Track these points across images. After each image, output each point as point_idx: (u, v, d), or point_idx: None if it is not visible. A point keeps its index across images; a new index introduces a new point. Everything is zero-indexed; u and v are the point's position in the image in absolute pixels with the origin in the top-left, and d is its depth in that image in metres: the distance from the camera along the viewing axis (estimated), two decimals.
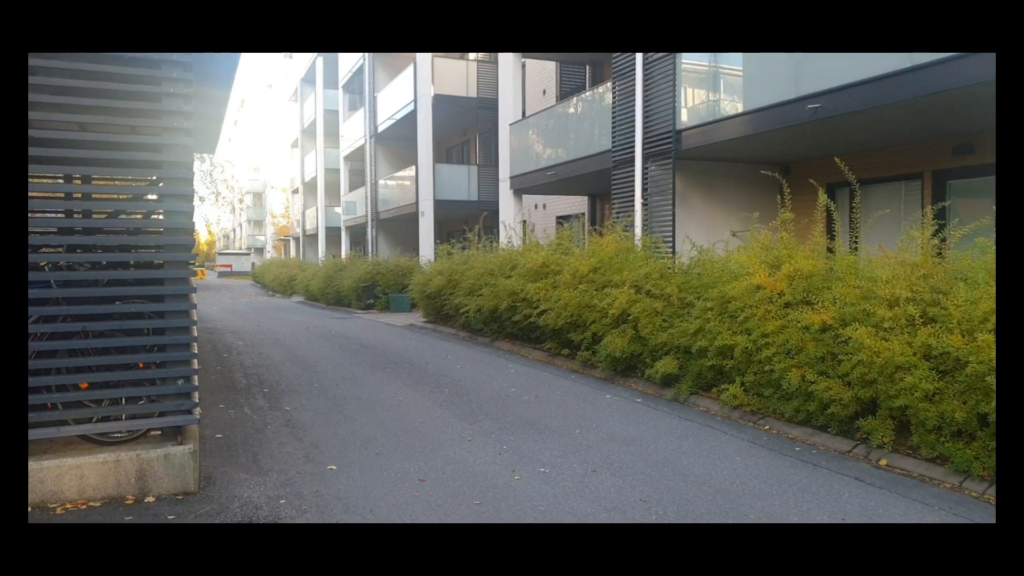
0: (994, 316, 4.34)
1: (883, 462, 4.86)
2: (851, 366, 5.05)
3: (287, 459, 5.00)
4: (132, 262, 4.35)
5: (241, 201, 47.61)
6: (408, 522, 3.87)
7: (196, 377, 4.48)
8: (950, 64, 6.68)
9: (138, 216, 4.83)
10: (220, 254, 64.99)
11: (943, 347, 4.50)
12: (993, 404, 4.14)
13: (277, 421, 6.16)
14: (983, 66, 6.41)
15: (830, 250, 6.66)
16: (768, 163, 11.23)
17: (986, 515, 3.97)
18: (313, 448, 5.30)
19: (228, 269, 57.63)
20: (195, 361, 4.48)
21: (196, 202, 22.85)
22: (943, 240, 5.56)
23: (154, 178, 4.44)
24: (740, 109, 9.64)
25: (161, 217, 4.37)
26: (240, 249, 71.25)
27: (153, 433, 4.35)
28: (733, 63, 9.96)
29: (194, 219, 4.45)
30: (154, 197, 4.53)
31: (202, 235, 68.97)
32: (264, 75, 58.12)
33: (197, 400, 4.41)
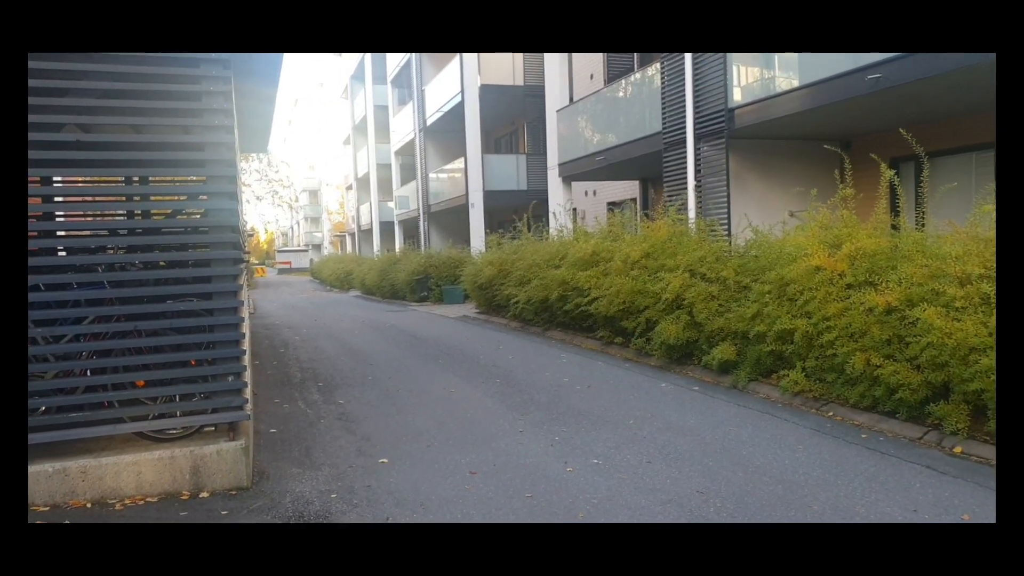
0: None
1: (957, 449, 4.58)
2: (920, 348, 4.77)
3: (339, 453, 5.03)
4: (181, 261, 4.41)
5: (297, 200, 48.60)
6: (459, 521, 3.82)
7: (247, 373, 4.53)
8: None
9: (184, 216, 4.89)
10: (279, 251, 66.56)
11: None
12: None
13: (330, 415, 6.22)
14: None
15: (894, 227, 6.33)
16: (827, 139, 10.78)
17: None
18: (365, 441, 5.32)
19: (287, 266, 58.97)
20: (245, 357, 4.53)
21: (254, 201, 23.36)
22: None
23: (199, 177, 4.49)
24: (795, 84, 9.27)
25: (206, 216, 4.42)
26: (298, 246, 72.82)
27: (207, 429, 4.42)
28: None
29: (242, 216, 4.49)
30: (203, 197, 4.58)
31: (261, 234, 70.80)
32: (315, 73, 59.09)
33: (248, 396, 4.45)
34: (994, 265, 4.73)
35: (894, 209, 7.14)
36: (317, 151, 64.26)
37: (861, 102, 8.40)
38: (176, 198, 5.11)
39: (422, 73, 25.59)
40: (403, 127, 28.76)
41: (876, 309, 5.25)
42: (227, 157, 4.34)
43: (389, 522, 3.76)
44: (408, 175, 29.37)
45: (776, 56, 9.87)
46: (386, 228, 34.18)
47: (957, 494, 3.89)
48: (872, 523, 3.55)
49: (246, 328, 5.00)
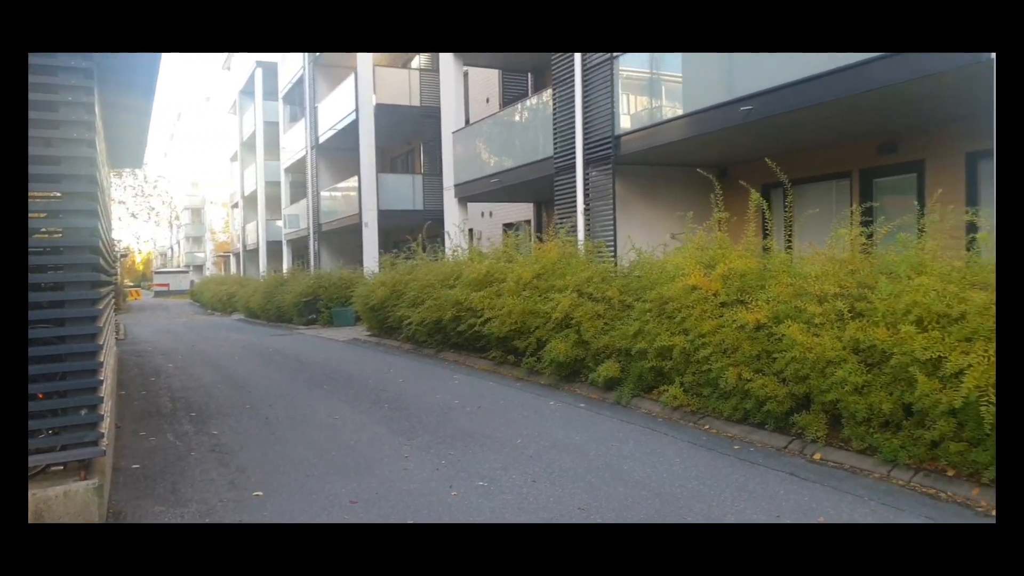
0: (917, 309, 4.42)
1: (817, 456, 4.89)
2: (785, 363, 5.08)
3: (209, 487, 4.76)
4: (33, 284, 4.06)
5: (178, 217, 46.29)
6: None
7: (105, 405, 4.22)
8: (872, 65, 6.84)
9: (44, 235, 4.52)
10: (157, 272, 62.81)
11: (870, 340, 4.56)
12: (917, 393, 4.20)
13: (202, 447, 5.88)
14: (902, 67, 6.59)
15: (765, 249, 6.73)
16: (706, 166, 11.38)
17: (912, 502, 4.03)
18: (239, 473, 5.06)
19: (165, 288, 55.69)
20: (104, 388, 4.22)
21: (128, 219, 21.93)
22: (870, 236, 5.66)
23: (55, 193, 4.17)
24: (679, 112, 9.74)
25: (60, 235, 4.11)
26: (178, 267, 69.07)
27: (54, 469, 4.06)
28: (672, 69, 10.07)
29: (108, 236, 4.21)
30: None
31: (136, 254, 66.75)
32: (201, 87, 56.75)
33: (104, 430, 4.14)
34: (849, 285, 5.12)
35: (764, 232, 7.61)
36: (201, 168, 61.53)
37: (735, 131, 8.93)
38: (37, 215, 4.73)
39: (315, 90, 25.09)
40: (294, 144, 28.03)
41: (747, 326, 5.55)
42: (87, 172, 4.06)
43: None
44: (299, 193, 28.58)
45: (663, 86, 10.35)
46: (274, 248, 33.05)
47: (815, 498, 4.15)
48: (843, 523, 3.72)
49: (110, 356, 4.67)
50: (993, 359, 3.87)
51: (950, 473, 4.27)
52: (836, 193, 10.08)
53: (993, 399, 3.75)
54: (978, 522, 3.77)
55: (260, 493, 4.59)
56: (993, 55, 5.91)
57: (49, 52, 3.54)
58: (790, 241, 7.39)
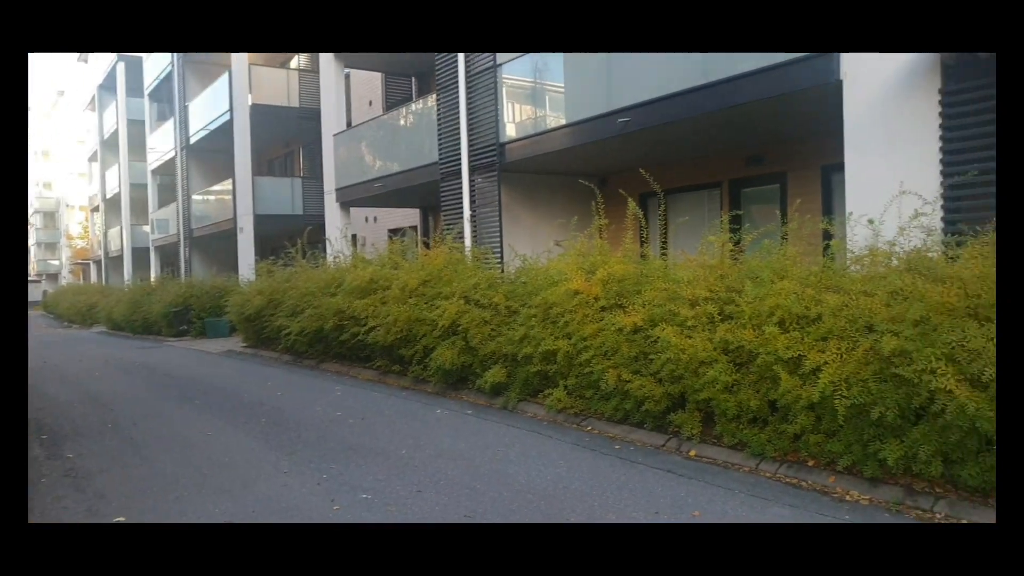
0: (779, 311, 4.73)
1: (692, 453, 5.13)
2: (661, 364, 5.29)
3: (62, 516, 4.34)
4: None
5: (29, 222, 42.36)
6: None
7: None
8: (741, 81, 7.29)
9: None
10: None
11: (738, 341, 4.83)
12: (781, 390, 4.49)
13: (55, 472, 5.36)
14: (766, 84, 7.07)
15: (642, 255, 7.00)
16: (587, 175, 11.70)
17: (778, 492, 4.29)
18: (98, 499, 4.66)
19: None
20: None
21: None
22: (737, 243, 6.01)
23: None
24: (562, 122, 9.97)
25: None
26: (29, 276, 63.34)
27: None
28: (555, 79, 10.29)
29: None
30: None
31: None
32: (55, 80, 52.37)
33: None
34: (718, 289, 5.41)
35: (641, 239, 7.92)
36: (55, 168, 56.73)
37: (613, 142, 9.25)
38: None
39: (186, 88, 23.75)
40: (163, 144, 26.39)
41: (625, 329, 5.74)
42: None
43: None
44: (168, 196, 26.92)
45: (546, 96, 10.56)
46: (140, 255, 30.96)
47: (691, 494, 4.34)
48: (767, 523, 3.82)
49: None
50: (846, 356, 4.20)
51: (810, 463, 4.58)
52: (708, 202, 10.65)
53: (847, 392, 4.07)
54: (837, 513, 4.07)
55: (122, 519, 4.25)
56: (842, 77, 6.48)
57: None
58: (665, 247, 7.74)
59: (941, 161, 5.75)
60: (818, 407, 4.38)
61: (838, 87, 6.53)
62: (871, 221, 5.07)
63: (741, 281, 5.38)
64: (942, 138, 5.75)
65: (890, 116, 6.16)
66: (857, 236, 5.31)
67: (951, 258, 4.48)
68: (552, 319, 6.55)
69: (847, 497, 4.17)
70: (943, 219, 5.60)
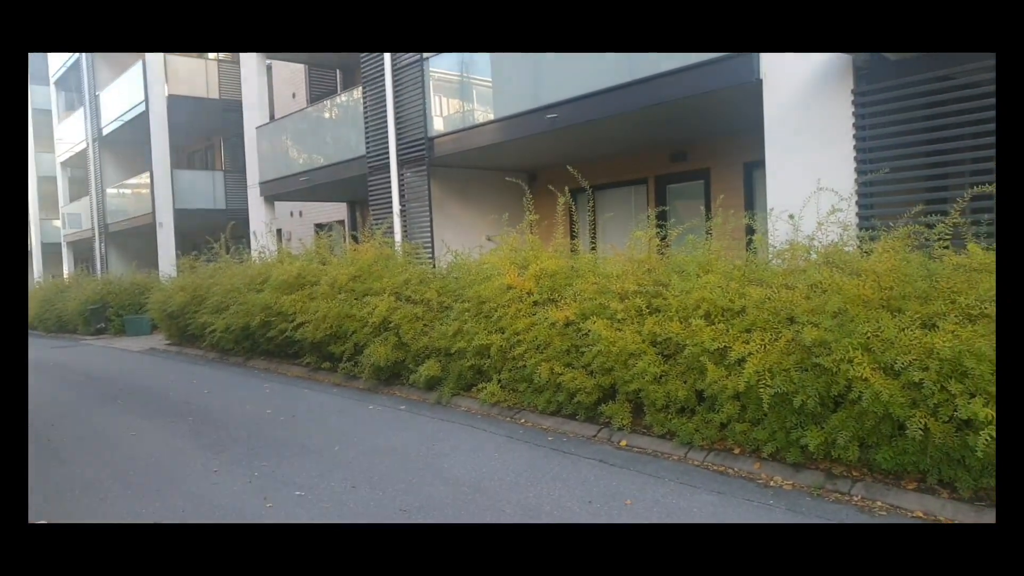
0: (705, 304, 4.90)
1: (623, 443, 5.27)
2: (592, 356, 5.40)
3: None
4: None
5: None
6: None
7: None
8: (665, 79, 7.50)
9: None
10: None
11: (666, 333, 4.98)
12: (708, 380, 4.66)
13: None
14: (686, 83, 7.29)
15: (573, 250, 7.11)
16: (517, 170, 11.81)
17: (706, 480, 4.46)
18: None
19: None
20: None
21: None
22: (664, 238, 6.19)
23: None
24: (491, 117, 10.00)
25: None
26: None
27: None
28: (482, 74, 10.30)
29: None
30: None
31: None
32: None
33: None
34: (646, 283, 5.56)
35: (572, 234, 8.06)
36: None
37: (542, 138, 9.35)
38: None
39: (95, 76, 22.57)
40: (72, 135, 25.03)
41: (557, 323, 5.83)
42: None
43: None
44: (80, 190, 25.58)
45: (474, 90, 10.56)
46: (51, 250, 29.35)
47: (623, 483, 4.46)
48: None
49: None
50: (769, 347, 4.39)
51: (736, 451, 4.76)
52: (635, 197, 10.90)
53: (770, 382, 4.24)
54: (762, 498, 4.27)
55: (42, 522, 4.06)
56: (761, 78, 6.75)
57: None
58: (594, 242, 7.89)
59: (855, 159, 6.07)
60: (743, 396, 4.57)
61: (758, 86, 6.81)
62: (791, 217, 5.31)
63: (668, 275, 5.54)
64: (855, 137, 6.08)
65: (807, 115, 6.46)
66: (778, 231, 5.56)
67: (865, 252, 4.72)
68: (485, 314, 6.59)
69: (771, 483, 4.36)
70: (857, 215, 5.93)
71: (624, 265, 5.90)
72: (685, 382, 4.92)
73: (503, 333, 6.30)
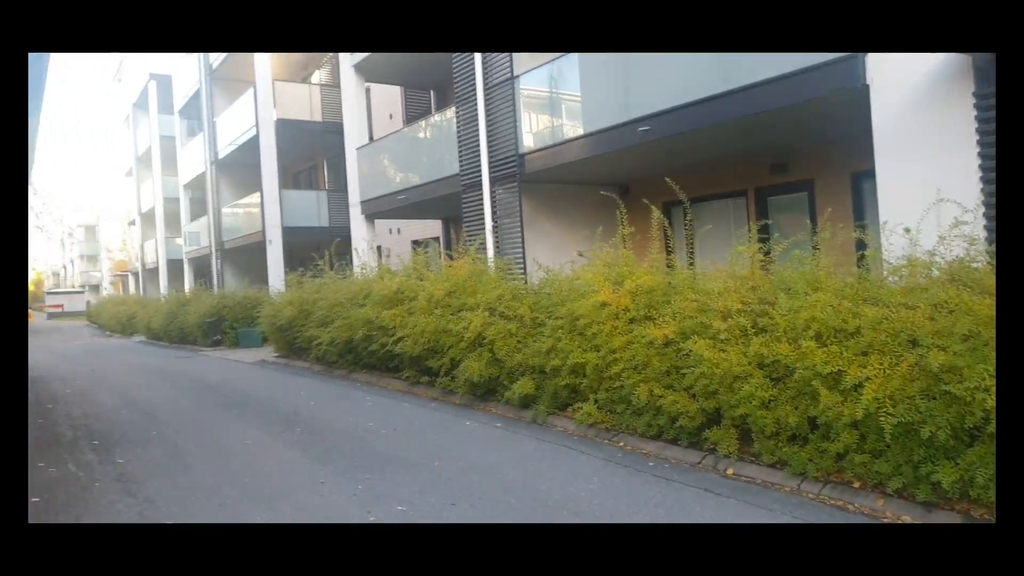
0: (815, 324, 4.66)
1: (730, 471, 5.05)
2: (694, 378, 5.23)
3: (117, 519, 4.47)
4: None
5: (71, 235, 43.23)
6: None
7: None
8: (761, 88, 7.23)
9: None
10: (49, 293, 58.61)
11: (774, 355, 4.75)
12: (821, 407, 4.42)
13: (107, 476, 5.53)
14: (791, 89, 7.00)
15: (668, 265, 6.95)
16: (608, 184, 11.70)
17: (823, 515, 4.20)
18: (148, 504, 4.79)
19: (59, 309, 52.15)
20: None
21: None
22: (767, 253, 5.94)
23: None
24: (580, 132, 9.97)
25: None
26: (72, 287, 64.67)
27: None
28: (572, 89, 10.30)
29: None
30: None
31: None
32: (92, 100, 53.69)
33: None
34: (751, 301, 5.35)
35: (667, 248, 7.88)
36: (95, 183, 58.03)
37: (634, 151, 9.22)
38: None
39: (213, 104, 24.15)
40: (193, 159, 26.86)
41: (655, 342, 5.69)
42: None
43: None
44: (199, 210, 27.38)
45: (563, 105, 10.57)
46: (174, 267, 31.54)
47: (730, 514, 4.28)
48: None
49: None
50: (889, 371, 4.11)
51: (856, 485, 4.42)
52: (733, 210, 10.57)
53: (892, 410, 3.96)
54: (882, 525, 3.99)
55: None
56: (869, 82, 6.40)
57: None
58: (691, 257, 7.69)
59: (980, 167, 5.62)
60: (862, 425, 4.27)
61: (864, 92, 6.45)
62: (908, 230, 4.99)
63: (774, 293, 5.31)
64: (979, 143, 5.63)
65: (922, 121, 6.06)
66: (893, 246, 5.23)
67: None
68: (579, 331, 6.52)
69: (899, 523, 4.02)
70: (986, 227, 5.45)
71: (726, 282, 5.70)
72: (796, 408, 4.68)
73: (598, 351, 6.22)
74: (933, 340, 3.97)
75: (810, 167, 9.43)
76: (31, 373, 13.24)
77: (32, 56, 5.58)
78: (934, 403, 3.87)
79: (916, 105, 6.09)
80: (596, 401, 6.37)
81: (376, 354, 9.84)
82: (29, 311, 44.61)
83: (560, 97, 10.59)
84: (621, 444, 5.93)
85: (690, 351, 5.27)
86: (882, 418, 3.97)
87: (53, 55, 5.65)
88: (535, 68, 10.72)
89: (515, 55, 10.99)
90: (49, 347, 21.34)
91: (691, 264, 7.22)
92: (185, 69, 26.98)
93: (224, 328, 17.71)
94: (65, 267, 75.07)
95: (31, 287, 67.85)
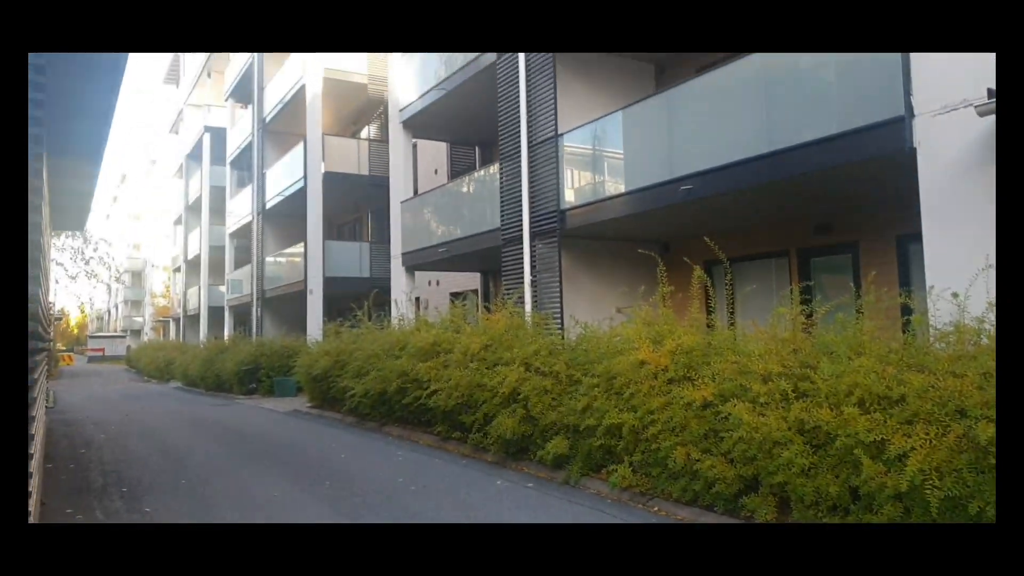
0: (859, 391, 4.50)
1: None
2: (732, 443, 5.08)
3: None
4: None
5: (118, 280, 44.69)
6: None
7: (31, 481, 3.92)
8: (806, 149, 7.20)
9: None
10: (91, 337, 60.38)
11: (815, 421, 4.60)
12: (863, 476, 4.23)
13: None
14: (837, 151, 6.95)
15: (709, 326, 6.84)
16: (648, 241, 11.67)
17: None
18: None
19: (100, 353, 53.54)
20: (31, 463, 3.92)
21: (65, 281, 21.02)
22: (809, 316, 5.81)
23: None
24: (621, 189, 10.02)
25: None
26: (115, 331, 66.55)
27: None
28: (614, 147, 10.41)
29: (47, 299, 4.01)
30: None
31: (72, 316, 64.09)
32: (147, 150, 56.23)
33: (30, 509, 3.84)
34: (792, 364, 5.21)
35: (707, 308, 7.77)
36: (144, 230, 60.22)
37: (676, 209, 9.21)
38: None
39: (264, 156, 25.01)
40: (241, 209, 27.72)
41: (694, 404, 5.57)
42: (31, 238, 3.90)
43: None
44: (243, 258, 28.09)
45: (605, 162, 10.67)
46: (215, 314, 32.23)
47: None
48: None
49: (40, 427, 4.40)
50: (935, 442, 3.93)
51: None
52: (775, 271, 10.41)
53: (938, 483, 3.79)
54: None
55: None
56: (916, 144, 6.32)
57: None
58: (732, 318, 7.55)
59: None
60: (906, 497, 4.08)
61: (911, 155, 6.36)
62: (955, 295, 4.84)
63: (816, 356, 5.17)
64: None
65: (970, 186, 5.93)
66: (940, 312, 5.07)
67: None
68: (616, 390, 6.42)
69: None
70: None
71: (767, 343, 5.58)
72: (837, 476, 4.49)
73: (635, 412, 6.10)
74: (982, 411, 3.81)
75: (854, 229, 9.28)
76: (67, 415, 13.52)
77: (98, 110, 5.85)
78: (983, 477, 3.70)
79: (964, 169, 5.97)
80: (631, 464, 6.21)
81: (409, 407, 9.81)
82: (69, 355, 45.85)
83: (602, 154, 10.69)
84: (655, 509, 5.75)
85: (729, 414, 5.14)
86: (928, 491, 3.80)
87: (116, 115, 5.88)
88: (579, 127, 10.87)
89: (559, 114, 11.17)
90: (87, 391, 21.78)
91: (732, 325, 7.09)
92: (239, 121, 28.12)
93: (260, 376, 17.90)
94: (109, 311, 77.32)
95: (73, 330, 69.79)
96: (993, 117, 5.70)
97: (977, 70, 5.70)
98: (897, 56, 6.34)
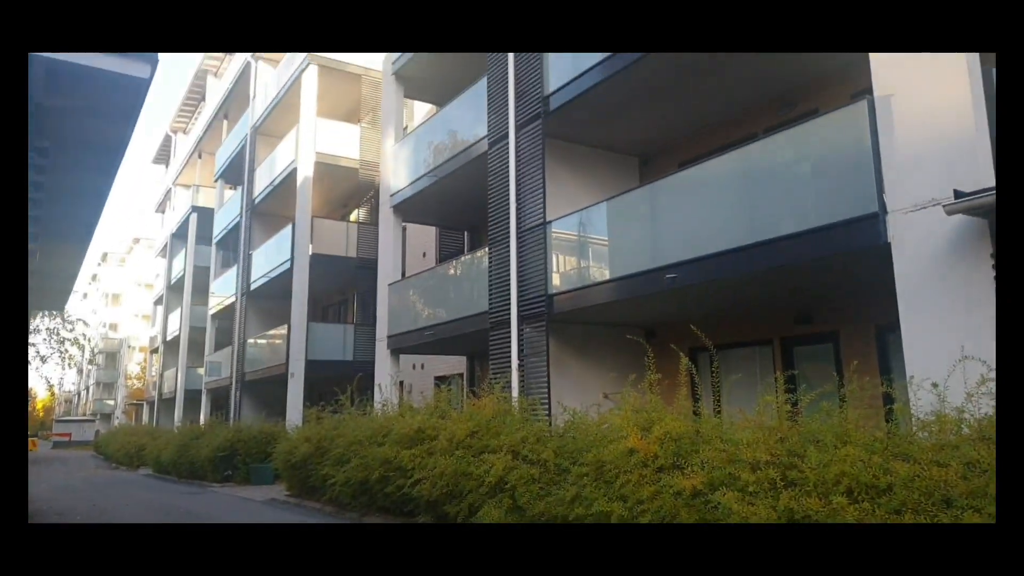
0: (846, 480, 4.54)
1: None
2: None
3: None
4: None
5: (92, 362, 43.91)
6: None
7: None
8: (786, 241, 7.47)
9: None
10: (58, 421, 58.48)
11: (803, 510, 4.62)
12: None
13: None
14: (814, 244, 7.22)
15: (696, 412, 6.88)
16: (635, 326, 11.83)
17: None
18: None
19: (66, 439, 51.81)
20: None
21: (36, 362, 20.63)
22: (795, 404, 5.89)
23: None
24: (607, 276, 10.23)
25: None
26: (83, 415, 64.67)
27: None
28: (600, 234, 10.69)
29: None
30: None
31: (37, 398, 62.45)
32: (129, 229, 56.51)
33: None
34: (779, 452, 5.25)
35: (694, 395, 7.83)
36: (122, 311, 59.68)
37: (660, 297, 9.41)
38: None
39: (251, 236, 25.22)
40: (224, 290, 27.68)
41: (684, 492, 5.54)
42: None
43: None
44: (224, 340, 27.85)
45: (590, 248, 10.92)
46: (192, 397, 31.57)
47: None
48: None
49: None
50: None
51: None
52: (760, 359, 10.55)
53: None
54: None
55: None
56: (890, 239, 6.60)
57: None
58: (719, 405, 7.61)
59: None
60: None
61: (886, 249, 6.62)
62: (935, 386, 4.97)
63: (803, 445, 5.23)
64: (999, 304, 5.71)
65: (945, 279, 6.16)
66: (921, 401, 5.19)
67: None
68: (606, 479, 6.38)
69: None
70: None
71: (754, 432, 5.63)
72: None
73: (625, 501, 6.05)
74: (968, 501, 3.86)
75: (835, 319, 9.50)
76: (30, 506, 13.01)
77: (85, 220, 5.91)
78: None
79: (938, 263, 6.21)
80: None
81: (391, 496, 9.59)
82: (34, 439, 44.21)
83: (589, 241, 10.95)
84: None
85: (719, 503, 5.12)
86: None
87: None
88: (567, 215, 11.16)
89: (548, 201, 11.46)
90: (52, 479, 20.79)
91: (718, 412, 7.15)
92: (228, 202, 28.46)
93: (236, 463, 17.45)
94: (79, 393, 75.46)
95: (39, 414, 67.79)
96: (961, 218, 6.02)
97: (944, 171, 6.05)
98: (869, 155, 6.71)
